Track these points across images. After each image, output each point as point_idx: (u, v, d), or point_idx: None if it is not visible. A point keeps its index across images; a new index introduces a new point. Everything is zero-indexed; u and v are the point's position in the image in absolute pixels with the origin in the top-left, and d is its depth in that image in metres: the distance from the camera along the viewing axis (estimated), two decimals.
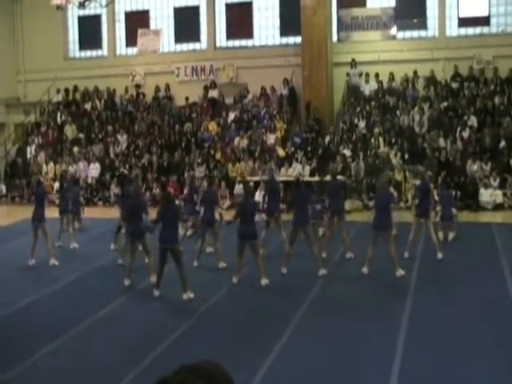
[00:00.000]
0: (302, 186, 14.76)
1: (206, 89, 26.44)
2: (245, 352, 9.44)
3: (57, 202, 17.69)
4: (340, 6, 25.18)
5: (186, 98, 26.38)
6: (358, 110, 24.01)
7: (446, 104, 23.17)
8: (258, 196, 20.55)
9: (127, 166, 23.39)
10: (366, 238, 13.61)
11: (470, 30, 24.55)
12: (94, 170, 24.77)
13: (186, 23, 27.32)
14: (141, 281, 13.04)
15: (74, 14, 28.61)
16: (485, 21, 24.28)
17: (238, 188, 21.74)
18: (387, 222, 13.15)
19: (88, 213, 18.63)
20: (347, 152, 22.26)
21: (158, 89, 27.11)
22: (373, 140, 22.66)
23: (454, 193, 19.01)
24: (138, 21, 27.64)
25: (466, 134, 21.95)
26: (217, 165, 23.48)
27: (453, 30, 24.60)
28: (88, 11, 27.05)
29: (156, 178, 23.27)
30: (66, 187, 17.70)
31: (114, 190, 22.27)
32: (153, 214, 13.41)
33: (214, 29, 27.10)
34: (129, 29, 27.99)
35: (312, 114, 24.03)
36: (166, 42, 27.39)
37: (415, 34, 25.07)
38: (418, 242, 14.95)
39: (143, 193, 13.54)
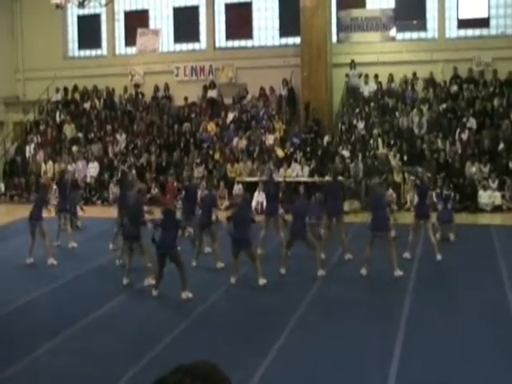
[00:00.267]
0: (300, 197, 14.77)
1: (205, 89, 26.44)
2: (243, 352, 9.45)
3: (54, 201, 17.69)
4: (339, 6, 25.17)
5: (185, 98, 26.37)
6: (357, 111, 24.01)
7: (445, 106, 23.18)
8: (257, 197, 20.60)
9: (126, 165, 23.36)
10: (364, 239, 13.64)
11: (470, 32, 24.56)
12: (93, 169, 24.75)
13: (186, 23, 27.31)
14: (139, 280, 13.04)
15: (73, 13, 28.59)
16: (484, 23, 24.29)
17: (237, 188, 21.75)
18: (384, 224, 13.18)
19: (87, 212, 18.63)
20: (346, 153, 22.26)
21: (157, 88, 27.10)
22: (372, 141, 22.65)
23: (452, 195, 19.04)
24: (137, 20, 27.63)
25: (464, 136, 21.96)
26: (215, 165, 23.47)
27: (452, 31, 24.61)
28: (87, 10, 27.02)
29: (155, 178, 23.27)
30: (64, 186, 17.66)
31: (113, 189, 22.31)
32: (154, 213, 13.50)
33: (214, 29, 27.10)
34: (128, 28, 27.98)
35: (311, 115, 24.03)
36: (166, 41, 27.39)
37: (415, 35, 25.08)
38: (417, 244, 14.96)
39: (144, 198, 13.57)
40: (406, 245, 14.45)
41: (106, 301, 11.99)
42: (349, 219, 16.34)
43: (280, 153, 23.14)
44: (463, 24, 24.46)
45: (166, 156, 24.11)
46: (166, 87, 27.09)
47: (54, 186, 20.39)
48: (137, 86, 27.50)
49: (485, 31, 24.38)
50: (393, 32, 24.32)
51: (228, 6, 26.96)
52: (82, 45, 29.08)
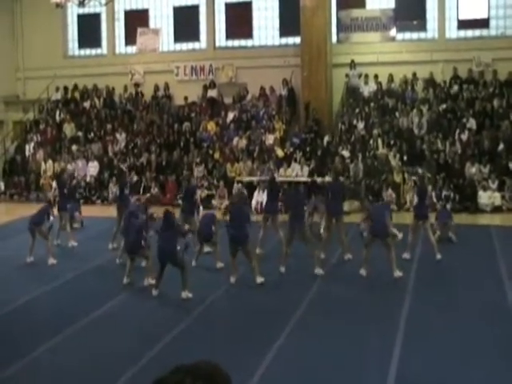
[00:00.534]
0: (298, 187, 14.79)
1: (205, 88, 26.44)
2: (243, 351, 9.46)
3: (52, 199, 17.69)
4: (339, 7, 25.16)
5: (185, 98, 26.37)
6: (357, 111, 24.01)
7: (444, 106, 23.18)
8: (257, 196, 20.61)
9: (126, 165, 23.35)
10: (364, 239, 13.64)
11: (470, 33, 24.55)
12: (93, 168, 24.74)
13: (186, 22, 27.30)
14: (139, 279, 13.04)
15: (73, 12, 28.59)
16: (484, 23, 24.29)
17: (237, 188, 21.75)
18: (384, 230, 13.21)
19: (86, 211, 18.64)
20: (346, 153, 22.25)
21: (157, 88, 27.10)
22: (372, 141, 22.65)
23: (452, 195, 19.07)
24: (137, 19, 27.62)
25: (464, 137, 21.96)
26: (215, 165, 23.48)
27: (452, 32, 24.61)
28: (87, 9, 27.04)
29: (154, 178, 23.26)
30: (63, 185, 17.66)
31: (113, 188, 22.30)
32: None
33: (214, 28, 27.10)
34: (128, 27, 27.97)
35: (311, 115, 24.03)
36: (166, 41, 27.38)
37: (415, 35, 25.08)
38: (417, 244, 14.97)
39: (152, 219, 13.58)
40: (406, 245, 14.46)
41: (106, 300, 11.99)
42: (349, 219, 16.34)
43: (280, 153, 23.14)
44: (463, 24, 24.45)
45: (165, 155, 24.11)
46: (166, 86, 27.09)
47: (54, 185, 20.41)
48: (137, 85, 27.50)
49: (485, 32, 24.37)
50: (393, 32, 24.31)
51: (228, 6, 26.96)
52: (82, 44, 29.08)
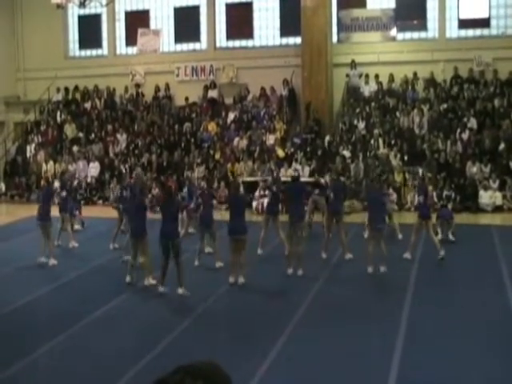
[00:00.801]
0: (297, 181, 14.73)
1: (206, 89, 26.45)
2: (243, 352, 9.45)
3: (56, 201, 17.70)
4: (340, 6, 25.16)
5: (186, 98, 26.38)
6: (358, 111, 24.01)
7: (445, 106, 23.18)
8: (257, 196, 20.58)
9: (127, 166, 23.36)
10: (364, 239, 13.65)
11: (470, 32, 24.55)
12: (94, 169, 24.76)
13: (186, 23, 27.32)
14: (141, 279, 13.03)
15: (74, 12, 28.59)
16: (485, 23, 24.28)
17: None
18: (382, 222, 13.30)
19: (87, 212, 18.64)
20: (347, 153, 22.26)
21: (157, 88, 27.11)
22: (372, 141, 22.66)
23: (452, 195, 19.06)
24: (138, 20, 27.64)
25: (465, 136, 21.96)
26: (216, 165, 23.48)
27: (453, 31, 24.60)
28: (88, 10, 27.02)
29: (155, 178, 23.27)
30: (64, 186, 17.66)
31: (114, 189, 22.28)
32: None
33: (214, 29, 27.10)
34: (129, 28, 27.99)
35: (312, 115, 24.03)
36: (166, 41, 27.39)
37: (415, 35, 25.07)
38: (418, 245, 14.95)
39: (147, 193, 13.66)
40: (407, 245, 14.45)
41: (107, 300, 11.99)
42: (349, 219, 16.34)
43: (281, 153, 23.15)
44: (464, 24, 24.45)
45: (166, 156, 24.13)
46: (167, 87, 27.10)
47: (56, 185, 20.40)
48: (137, 85, 27.52)
49: (485, 31, 24.37)
50: (393, 32, 24.31)
51: (229, 6, 26.96)
52: (83, 45, 29.09)
